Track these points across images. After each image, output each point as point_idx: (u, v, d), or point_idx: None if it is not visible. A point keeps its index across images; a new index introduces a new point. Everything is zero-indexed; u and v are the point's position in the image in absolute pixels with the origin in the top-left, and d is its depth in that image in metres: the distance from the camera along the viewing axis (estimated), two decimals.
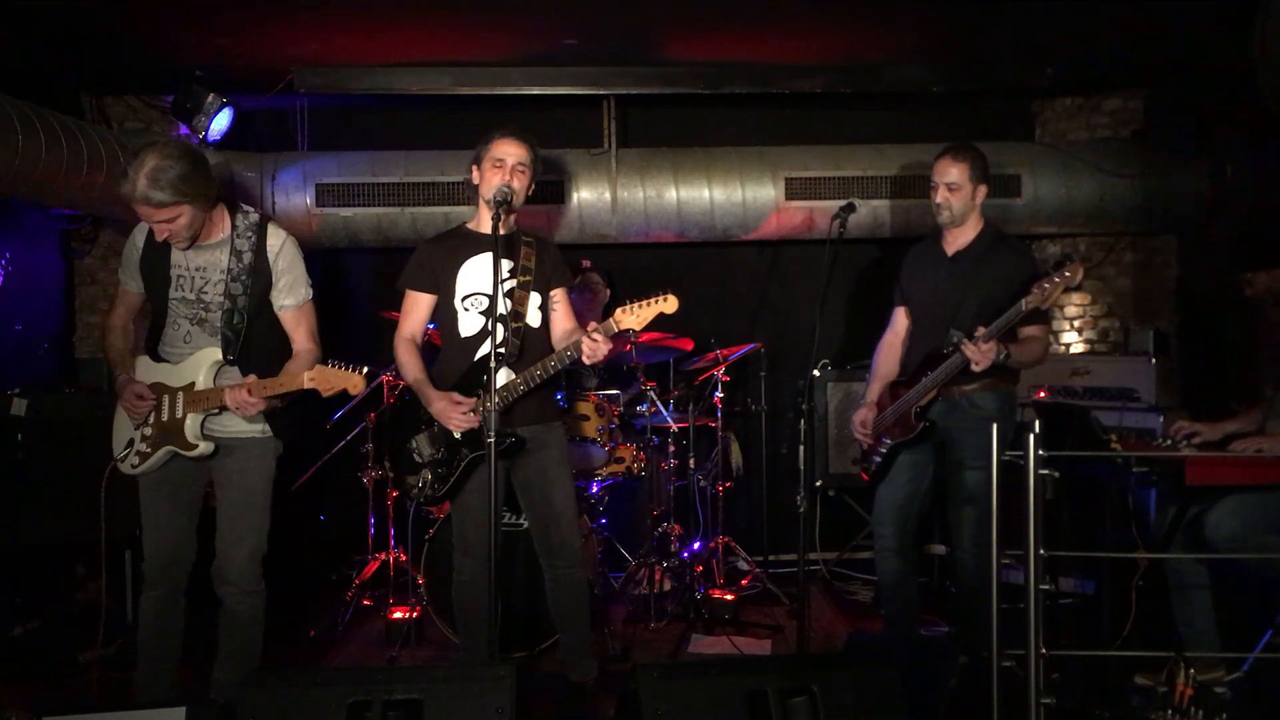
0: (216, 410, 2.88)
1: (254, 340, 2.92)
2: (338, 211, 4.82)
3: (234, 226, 2.91)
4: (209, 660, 3.01)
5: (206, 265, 2.90)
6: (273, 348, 2.96)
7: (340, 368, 2.77)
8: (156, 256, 2.91)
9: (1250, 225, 4.43)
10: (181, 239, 2.81)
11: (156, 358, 2.96)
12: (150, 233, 2.89)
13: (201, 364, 2.89)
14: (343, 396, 2.92)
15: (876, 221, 4.95)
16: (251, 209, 2.98)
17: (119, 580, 3.91)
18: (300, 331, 2.99)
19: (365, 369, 2.80)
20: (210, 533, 3.01)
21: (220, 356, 2.89)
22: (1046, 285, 3.08)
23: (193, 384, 2.88)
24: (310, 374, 2.77)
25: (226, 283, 2.88)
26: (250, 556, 2.96)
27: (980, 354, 3.11)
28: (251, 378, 2.82)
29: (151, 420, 2.92)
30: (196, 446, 2.87)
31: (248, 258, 2.89)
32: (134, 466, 2.94)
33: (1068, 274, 3.08)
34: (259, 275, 2.91)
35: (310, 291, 3.03)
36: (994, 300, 3.26)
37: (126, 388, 2.90)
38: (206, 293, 2.90)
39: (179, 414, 2.88)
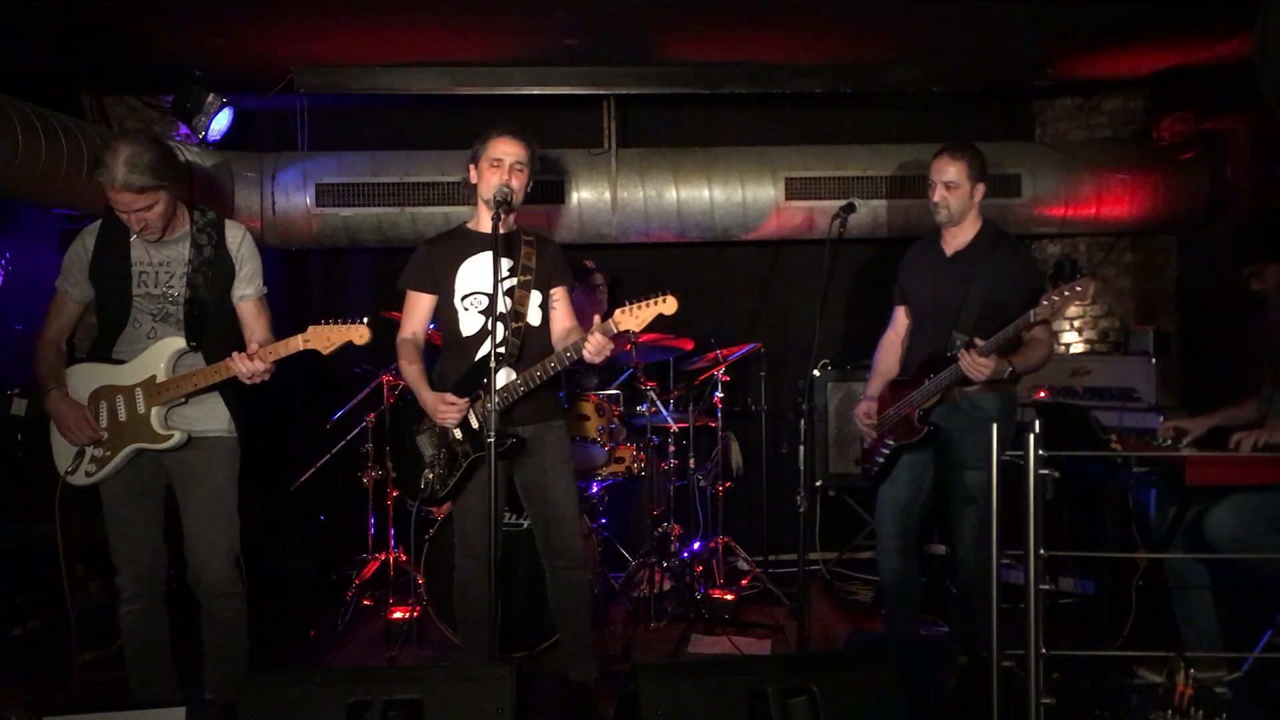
0: (182, 400, 2.86)
1: (215, 330, 2.91)
2: (338, 211, 4.82)
3: (193, 222, 2.93)
4: (198, 660, 2.99)
5: (169, 259, 2.89)
6: (232, 341, 2.93)
7: (336, 324, 2.77)
8: (113, 255, 2.88)
9: (1257, 220, 4.43)
10: (154, 229, 2.80)
11: (111, 360, 2.89)
12: (100, 234, 2.89)
13: (161, 355, 2.84)
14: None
15: (876, 221, 4.95)
16: (209, 208, 3.00)
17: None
18: (260, 322, 2.98)
19: (366, 319, 2.78)
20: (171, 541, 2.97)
21: (183, 344, 2.85)
22: (1056, 298, 2.99)
23: (153, 377, 2.84)
24: (304, 335, 2.77)
25: (189, 274, 2.88)
26: (227, 555, 2.92)
27: (976, 368, 3.08)
28: (253, 345, 2.80)
29: (105, 425, 2.86)
30: (171, 437, 2.84)
31: (208, 251, 2.90)
32: (89, 475, 2.86)
33: (1079, 289, 2.99)
34: (220, 267, 2.92)
35: (266, 289, 3.04)
36: (995, 300, 3.24)
37: (73, 410, 2.82)
38: (172, 287, 2.88)
39: (141, 409, 2.84)
